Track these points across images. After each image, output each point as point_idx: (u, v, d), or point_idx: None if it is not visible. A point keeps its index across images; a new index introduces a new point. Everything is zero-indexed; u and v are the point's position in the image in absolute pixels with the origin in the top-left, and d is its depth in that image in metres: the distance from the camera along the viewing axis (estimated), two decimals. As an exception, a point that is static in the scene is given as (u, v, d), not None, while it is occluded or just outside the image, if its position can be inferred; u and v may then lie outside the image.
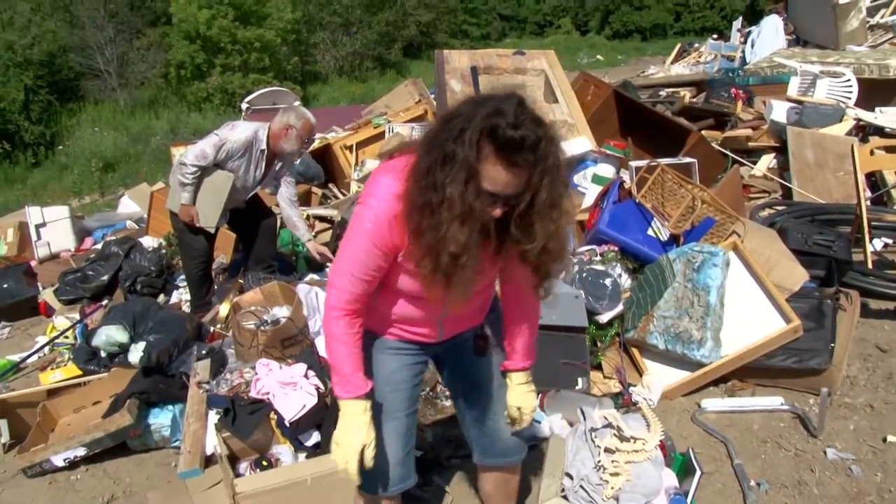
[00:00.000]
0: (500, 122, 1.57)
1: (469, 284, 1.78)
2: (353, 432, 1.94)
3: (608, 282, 3.78)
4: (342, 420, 1.97)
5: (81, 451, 3.42)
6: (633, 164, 5.12)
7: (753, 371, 3.60)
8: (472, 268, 1.74)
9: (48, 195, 10.19)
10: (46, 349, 4.62)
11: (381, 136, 6.21)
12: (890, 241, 5.11)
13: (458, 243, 1.68)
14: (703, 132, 5.96)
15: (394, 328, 2.08)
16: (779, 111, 6.40)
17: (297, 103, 9.20)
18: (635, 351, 3.73)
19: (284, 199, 4.59)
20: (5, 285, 5.57)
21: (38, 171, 12.00)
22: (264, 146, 4.26)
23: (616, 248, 4.04)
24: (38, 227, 6.23)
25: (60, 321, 4.88)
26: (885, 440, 3.22)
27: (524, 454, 2.38)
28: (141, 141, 11.71)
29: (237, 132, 4.20)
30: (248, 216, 4.66)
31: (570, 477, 2.49)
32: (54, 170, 11.74)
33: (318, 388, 3.34)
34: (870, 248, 4.46)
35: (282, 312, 3.92)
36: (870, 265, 4.37)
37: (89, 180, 10.67)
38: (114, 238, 5.57)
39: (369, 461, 1.96)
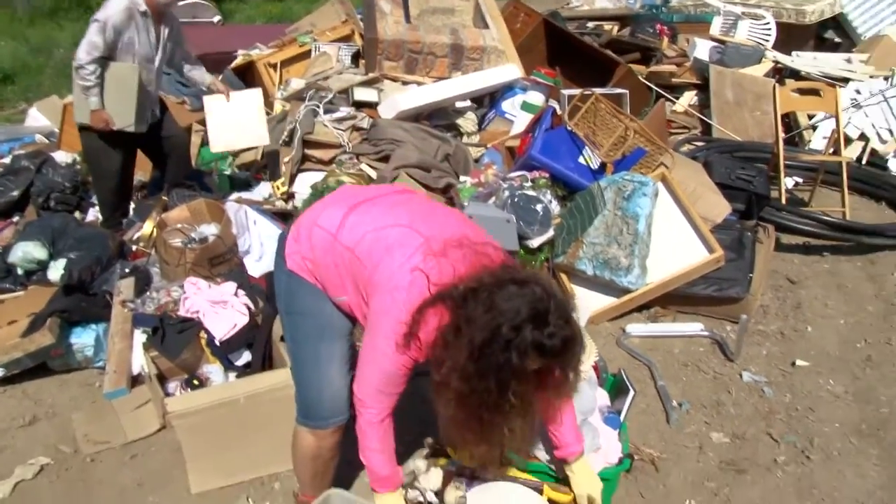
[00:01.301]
0: (544, 340, 1.68)
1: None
2: None
3: (539, 207, 3.83)
4: None
5: (-1, 371, 3.29)
6: (566, 92, 5.13)
7: (676, 298, 3.75)
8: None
9: (-62, 108, 9.50)
10: (-49, 267, 4.36)
11: (306, 54, 6.00)
12: (800, 181, 5.34)
13: (513, 430, 1.84)
14: (630, 66, 6.00)
15: None
16: (702, 49, 6.49)
17: (216, 18, 8.84)
18: (564, 276, 3.82)
19: (184, 64, 4.52)
20: None
21: (-77, 82, 11.16)
22: (143, 6, 4.00)
23: (547, 175, 4.08)
24: (-65, 139, 5.82)
25: (-35, 238, 4.61)
26: (793, 364, 3.42)
27: None
28: (43, 52, 10.94)
29: (112, 5, 3.95)
30: (157, 136, 4.47)
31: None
32: (-56, 80, 10.93)
33: (248, 307, 3.29)
34: (784, 186, 4.64)
35: (209, 230, 3.81)
36: (784, 201, 4.56)
37: (-14, 93, 10.00)
38: (23, 152, 5.25)
39: None
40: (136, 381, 3.21)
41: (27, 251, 3.73)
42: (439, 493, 2.24)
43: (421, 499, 2.23)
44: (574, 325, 1.76)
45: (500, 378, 1.71)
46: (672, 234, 3.77)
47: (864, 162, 5.45)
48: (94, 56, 3.91)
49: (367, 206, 2.03)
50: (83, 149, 4.44)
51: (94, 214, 4.73)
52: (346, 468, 2.45)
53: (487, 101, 5.60)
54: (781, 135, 4.72)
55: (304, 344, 2.11)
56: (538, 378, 1.78)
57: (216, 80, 4.69)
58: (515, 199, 3.85)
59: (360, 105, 5.00)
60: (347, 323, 2.11)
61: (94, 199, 4.77)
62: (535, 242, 3.81)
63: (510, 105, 5.44)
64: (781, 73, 6.25)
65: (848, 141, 5.49)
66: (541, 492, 2.26)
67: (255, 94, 4.60)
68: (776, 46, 6.63)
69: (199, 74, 4.57)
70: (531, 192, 3.92)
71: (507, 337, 1.67)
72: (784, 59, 6.29)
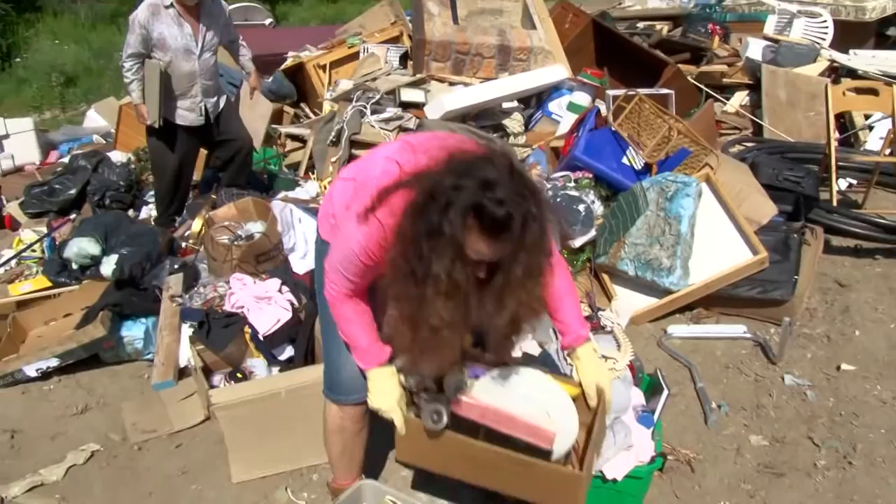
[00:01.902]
0: (486, 201, 1.57)
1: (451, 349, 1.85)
2: (386, 395, 2.03)
3: (581, 207, 3.82)
4: (371, 386, 2.05)
5: (54, 362, 3.43)
6: (611, 92, 5.11)
7: (719, 300, 3.70)
8: (452, 340, 1.81)
9: (6, 110, 9.83)
10: (13, 262, 4.55)
11: (355, 56, 6.09)
12: (854, 182, 5.21)
13: (441, 319, 1.73)
14: (679, 66, 5.94)
15: None
16: (754, 49, 6.40)
17: (268, 21, 9.01)
18: (605, 276, 3.81)
19: (236, 47, 4.73)
20: (-32, 198, 5.44)
21: (-7, 85, 11.61)
22: (168, 1, 4.14)
23: (590, 175, 4.06)
24: (0, 138, 6.07)
25: (27, 235, 4.80)
26: (838, 368, 3.35)
27: None
28: (103, 56, 11.28)
29: (141, 3, 4.15)
30: (223, 138, 4.63)
31: (542, 393, 2.55)
32: (12, 83, 11.30)
33: (291, 303, 3.36)
34: (835, 187, 4.54)
35: (256, 228, 3.91)
36: (835, 203, 4.46)
37: (49, 95, 10.33)
38: (81, 152, 5.46)
39: (401, 420, 2.03)
40: (182, 373, 3.31)
41: (82, 247, 3.87)
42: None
43: (419, 383, 2.10)
44: (532, 203, 1.64)
45: (432, 244, 1.63)
46: (716, 236, 3.73)
47: (922, 163, 5.29)
48: (128, 53, 4.17)
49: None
50: (147, 145, 4.64)
51: (146, 212, 4.89)
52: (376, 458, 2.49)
53: (534, 101, 5.60)
54: (834, 135, 4.62)
55: (329, 320, 2.13)
56: (485, 266, 1.73)
57: (256, 73, 4.83)
58: (558, 199, 3.85)
59: (406, 106, 5.06)
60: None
61: (148, 198, 4.93)
62: (577, 242, 3.81)
63: (557, 106, 5.43)
64: (837, 73, 6.12)
65: (905, 141, 5.35)
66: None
67: (269, 106, 4.81)
68: (833, 45, 6.49)
69: (246, 61, 4.76)
70: (574, 193, 3.91)
71: (447, 195, 1.60)
72: (840, 58, 6.15)
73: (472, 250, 1.64)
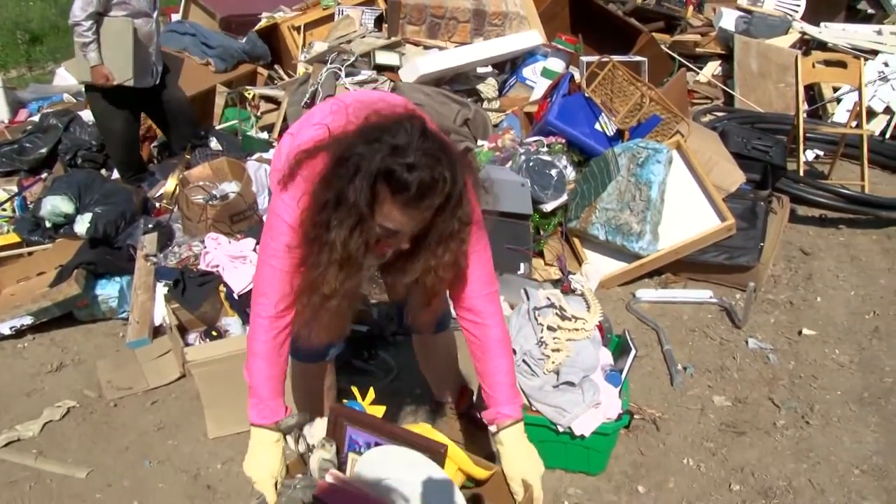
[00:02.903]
0: (395, 166, 1.49)
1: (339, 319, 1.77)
2: (262, 465, 1.82)
3: (554, 172, 3.87)
4: (251, 447, 1.84)
5: (28, 320, 3.43)
6: (584, 58, 5.14)
7: (686, 265, 3.79)
8: (344, 308, 1.72)
9: (-31, 67, 9.65)
10: (-17, 220, 4.51)
11: (330, 17, 6.03)
12: (821, 153, 5.32)
13: (330, 287, 1.65)
14: (653, 34, 5.97)
15: None
16: (728, 19, 6.45)
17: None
18: (576, 240, 3.88)
19: None
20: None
21: (-45, 41, 11.33)
22: None
23: (563, 141, 4.11)
24: (-32, 96, 5.95)
25: (-3, 193, 4.75)
26: (800, 333, 3.46)
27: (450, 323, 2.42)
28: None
29: None
30: (158, 98, 4.61)
31: (514, 352, 2.61)
32: (-25, 41, 11.07)
33: (266, 264, 3.37)
34: (803, 158, 4.64)
35: (230, 188, 3.91)
36: (801, 173, 4.55)
37: (15, 53, 10.11)
38: (52, 110, 5.37)
39: (272, 497, 1.81)
40: (157, 331, 3.32)
41: (55, 205, 3.85)
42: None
43: (304, 449, 1.91)
44: (446, 167, 1.54)
45: (337, 211, 1.56)
46: (685, 202, 3.80)
47: (888, 136, 5.41)
48: (88, 12, 4.02)
49: None
50: (91, 110, 4.57)
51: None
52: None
53: (508, 67, 5.62)
54: (803, 106, 4.70)
55: None
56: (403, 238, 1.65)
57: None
58: (531, 164, 3.89)
59: (381, 69, 5.05)
60: None
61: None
62: (548, 207, 3.86)
63: (531, 71, 5.46)
64: (808, 45, 6.20)
65: (872, 114, 5.46)
66: (443, 458, 1.79)
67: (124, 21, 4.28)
68: (805, 17, 6.56)
69: None
70: (546, 157, 3.96)
71: (356, 161, 1.52)
72: (811, 30, 6.22)
73: (386, 219, 1.58)
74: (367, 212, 1.55)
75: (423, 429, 1.94)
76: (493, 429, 1.92)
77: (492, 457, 2.11)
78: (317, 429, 1.92)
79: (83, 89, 4.35)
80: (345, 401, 2.07)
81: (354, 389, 2.07)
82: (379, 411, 1.99)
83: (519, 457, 1.87)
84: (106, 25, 4.12)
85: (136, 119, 4.64)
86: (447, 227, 1.64)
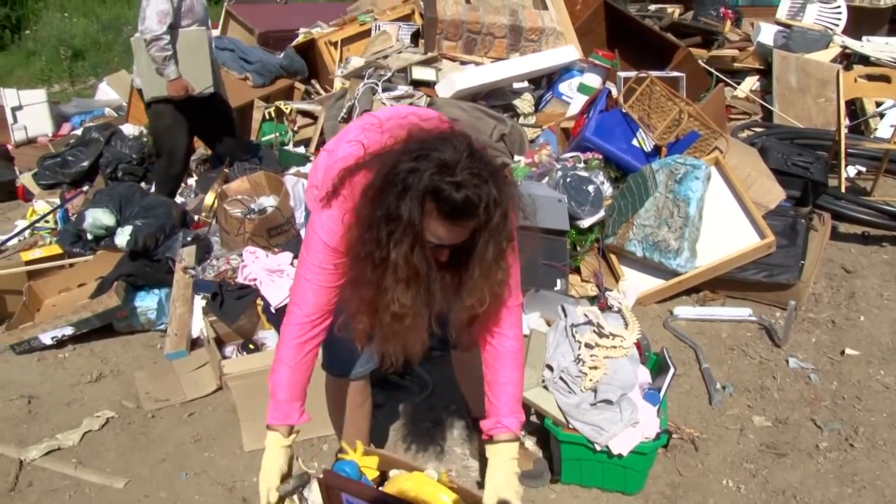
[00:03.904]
0: (443, 185, 1.51)
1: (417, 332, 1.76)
2: (267, 471, 1.87)
3: (591, 188, 3.84)
4: (265, 448, 1.90)
5: (69, 331, 3.49)
6: (622, 74, 5.12)
7: (725, 283, 3.73)
8: (416, 325, 1.72)
9: (14, 81, 9.85)
10: (26, 233, 4.61)
11: (366, 33, 6.10)
12: (863, 169, 5.22)
13: (402, 305, 1.66)
14: (690, 49, 5.94)
15: None
16: (766, 34, 6.39)
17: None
18: (613, 257, 3.84)
19: None
20: (-19, 168, 5.50)
21: (2, 56, 11.60)
22: None
23: (600, 156, 4.08)
24: (13, 109, 6.10)
25: (40, 206, 4.87)
26: (842, 353, 3.38)
27: None
28: (112, 30, 11.26)
29: None
30: (210, 107, 4.62)
31: (551, 369, 2.59)
32: (21, 55, 11.32)
33: (303, 278, 3.39)
34: (844, 174, 4.55)
35: (268, 202, 3.95)
36: (843, 189, 4.47)
37: (58, 68, 10.36)
38: (93, 124, 5.50)
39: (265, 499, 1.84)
40: (195, 344, 3.36)
41: (96, 218, 3.92)
42: None
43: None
44: (493, 187, 1.56)
45: (390, 229, 1.57)
46: (723, 219, 3.75)
47: (932, 152, 5.29)
48: (167, 24, 4.04)
49: None
50: (152, 129, 4.60)
51: (159, 185, 4.93)
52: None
53: (545, 82, 5.61)
54: (844, 121, 4.62)
55: None
56: (446, 250, 1.66)
57: None
58: (568, 180, 3.87)
59: (418, 84, 5.08)
60: None
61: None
62: (585, 223, 3.83)
63: (567, 87, 5.45)
64: (850, 59, 6.11)
65: (916, 130, 5.35)
66: None
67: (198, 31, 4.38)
68: (846, 31, 6.47)
69: None
70: (584, 173, 3.93)
71: (404, 178, 1.53)
72: (853, 45, 6.13)
73: (431, 234, 1.59)
74: (420, 228, 1.57)
75: (417, 478, 1.90)
76: (487, 439, 1.94)
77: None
78: (316, 494, 1.95)
79: (143, 105, 4.39)
80: (338, 455, 2.09)
81: (345, 444, 2.09)
82: (372, 462, 2.01)
83: (502, 475, 1.88)
84: (182, 37, 4.17)
85: (192, 140, 4.69)
86: (496, 246, 1.66)
